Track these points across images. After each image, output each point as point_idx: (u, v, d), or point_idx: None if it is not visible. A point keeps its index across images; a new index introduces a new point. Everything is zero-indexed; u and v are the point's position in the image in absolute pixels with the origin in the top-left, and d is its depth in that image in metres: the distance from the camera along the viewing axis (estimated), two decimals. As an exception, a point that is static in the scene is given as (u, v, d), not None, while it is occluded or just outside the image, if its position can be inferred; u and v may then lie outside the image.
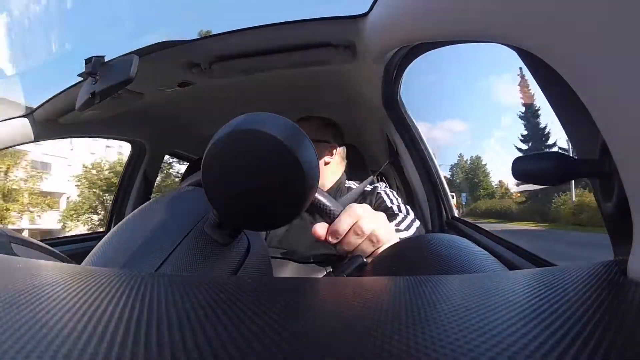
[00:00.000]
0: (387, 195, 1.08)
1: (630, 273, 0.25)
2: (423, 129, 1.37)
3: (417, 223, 0.93)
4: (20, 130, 1.28)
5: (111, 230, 0.53)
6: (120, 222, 0.54)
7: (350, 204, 0.54)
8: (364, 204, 0.55)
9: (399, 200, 1.07)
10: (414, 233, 0.89)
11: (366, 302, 0.25)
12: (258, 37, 1.03)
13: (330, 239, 0.53)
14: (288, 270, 0.90)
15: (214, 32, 1.02)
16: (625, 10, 0.22)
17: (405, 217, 0.94)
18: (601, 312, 0.20)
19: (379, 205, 1.05)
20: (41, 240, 1.16)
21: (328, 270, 0.79)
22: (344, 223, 0.52)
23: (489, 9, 0.37)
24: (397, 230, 0.82)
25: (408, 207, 1.03)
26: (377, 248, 0.54)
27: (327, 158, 1.16)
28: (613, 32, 0.23)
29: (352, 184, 1.19)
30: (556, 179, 0.34)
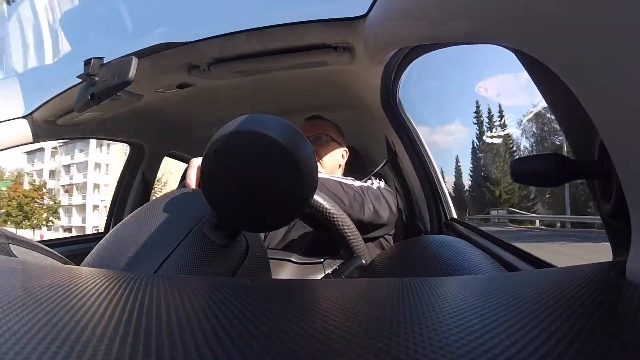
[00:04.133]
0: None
1: (629, 274, 0.26)
2: (422, 132, 1.37)
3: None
4: (19, 131, 1.27)
5: (110, 232, 0.53)
6: (119, 224, 0.54)
7: None
8: None
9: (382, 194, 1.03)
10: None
11: (365, 304, 0.25)
12: (257, 38, 1.03)
13: None
14: (286, 270, 0.90)
15: (212, 34, 1.02)
16: (623, 11, 0.22)
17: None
18: (600, 314, 0.20)
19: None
20: (40, 242, 1.15)
21: (327, 273, 0.79)
22: None
23: (487, 11, 0.37)
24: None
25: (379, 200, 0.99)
26: None
27: (342, 161, 1.17)
28: (611, 33, 0.23)
29: None
30: (555, 180, 0.34)
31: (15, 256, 0.57)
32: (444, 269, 0.45)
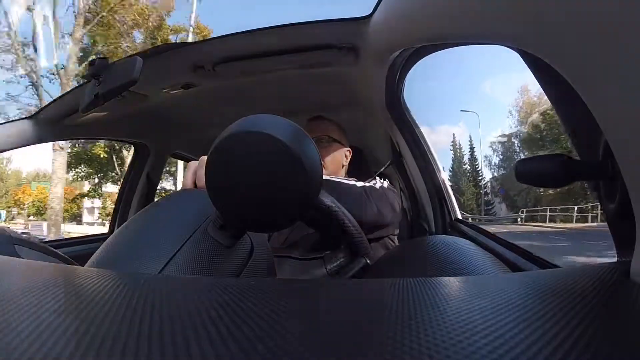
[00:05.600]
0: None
1: (633, 275, 0.25)
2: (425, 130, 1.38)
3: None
4: (25, 132, 1.28)
5: (115, 232, 0.53)
6: (123, 224, 0.54)
7: None
8: None
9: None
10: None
11: (369, 304, 0.25)
12: (262, 39, 1.03)
13: None
14: (286, 266, 0.90)
15: (218, 34, 1.02)
16: (625, 11, 0.22)
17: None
18: (604, 314, 0.20)
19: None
20: (44, 242, 1.15)
21: (328, 268, 0.79)
22: None
23: (491, 11, 0.37)
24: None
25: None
26: None
27: (344, 161, 1.17)
28: (614, 33, 0.23)
29: None
30: (559, 181, 0.34)
31: (20, 257, 0.58)
32: (449, 269, 0.45)
